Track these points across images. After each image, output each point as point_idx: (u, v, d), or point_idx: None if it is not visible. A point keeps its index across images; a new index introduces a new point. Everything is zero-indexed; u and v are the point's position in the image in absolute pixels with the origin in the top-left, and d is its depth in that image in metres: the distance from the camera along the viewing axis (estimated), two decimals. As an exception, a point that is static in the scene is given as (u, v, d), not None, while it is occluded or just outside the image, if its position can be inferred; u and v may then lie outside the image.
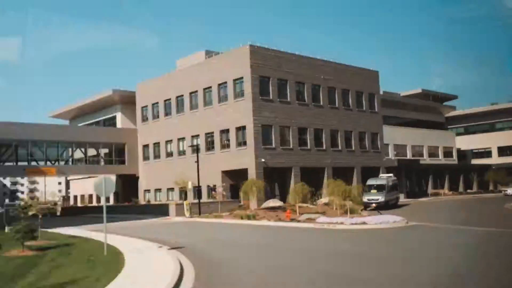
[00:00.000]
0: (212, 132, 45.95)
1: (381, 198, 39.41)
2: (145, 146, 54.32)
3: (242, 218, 32.03)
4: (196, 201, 40.32)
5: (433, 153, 72.53)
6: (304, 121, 46.27)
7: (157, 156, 52.68)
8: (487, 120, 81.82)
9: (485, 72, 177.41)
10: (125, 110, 58.57)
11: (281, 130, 44.42)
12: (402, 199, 54.98)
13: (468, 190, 68.05)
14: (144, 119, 54.63)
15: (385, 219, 26.14)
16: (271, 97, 43.85)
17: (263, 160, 42.10)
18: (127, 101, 56.79)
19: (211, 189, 44.93)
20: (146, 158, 54.20)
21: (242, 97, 43.23)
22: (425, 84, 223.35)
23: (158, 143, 52.32)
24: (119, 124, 59.00)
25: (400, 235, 21.81)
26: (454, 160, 75.33)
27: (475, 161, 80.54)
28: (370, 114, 53.41)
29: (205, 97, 47.00)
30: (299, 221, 28.85)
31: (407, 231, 22.97)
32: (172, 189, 49.43)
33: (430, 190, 64.58)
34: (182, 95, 49.39)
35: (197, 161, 39.81)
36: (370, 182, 42.49)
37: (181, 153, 49.31)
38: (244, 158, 42.50)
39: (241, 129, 43.30)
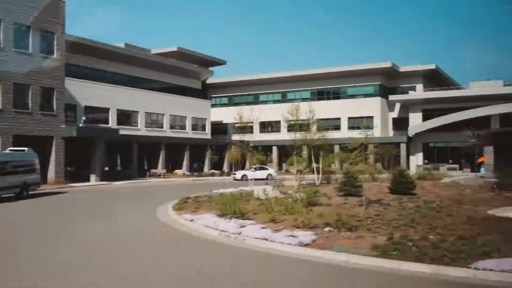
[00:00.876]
0: None
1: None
2: None
3: None
4: None
5: (179, 125, 59.71)
6: None
7: None
8: (252, 91, 72.38)
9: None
10: None
11: None
12: (93, 182, 40.40)
13: (213, 171, 56.68)
14: None
15: None
16: None
17: None
18: None
19: None
20: None
21: None
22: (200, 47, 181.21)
23: None
24: None
25: None
26: (206, 134, 63.55)
27: (237, 137, 70.27)
28: (42, 59, 36.81)
29: None
30: None
31: None
32: None
33: (160, 170, 51.47)
34: None
35: None
36: None
37: None
38: None
39: None
